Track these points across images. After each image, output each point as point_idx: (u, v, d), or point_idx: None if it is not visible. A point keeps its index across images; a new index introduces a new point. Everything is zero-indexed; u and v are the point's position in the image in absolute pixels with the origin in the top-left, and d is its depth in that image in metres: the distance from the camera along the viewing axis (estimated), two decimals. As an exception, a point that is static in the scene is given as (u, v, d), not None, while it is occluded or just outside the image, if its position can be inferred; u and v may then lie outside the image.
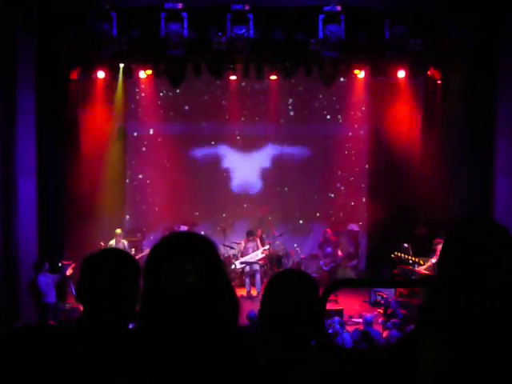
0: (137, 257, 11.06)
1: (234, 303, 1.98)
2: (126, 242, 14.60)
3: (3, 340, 2.26)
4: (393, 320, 10.85)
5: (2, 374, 2.16)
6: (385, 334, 10.37)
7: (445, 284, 1.95)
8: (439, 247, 12.55)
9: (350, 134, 17.50)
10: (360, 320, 11.01)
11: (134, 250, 14.94)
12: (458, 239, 2.00)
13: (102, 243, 14.01)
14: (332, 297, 12.73)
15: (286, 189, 17.47)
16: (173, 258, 1.89)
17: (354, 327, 10.68)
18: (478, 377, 1.84)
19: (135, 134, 17.44)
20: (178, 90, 16.11)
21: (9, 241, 11.57)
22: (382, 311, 12.38)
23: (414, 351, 1.92)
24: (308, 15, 12.33)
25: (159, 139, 17.38)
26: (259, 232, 15.94)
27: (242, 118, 17.27)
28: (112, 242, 14.20)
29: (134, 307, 2.41)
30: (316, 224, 17.52)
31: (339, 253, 15.57)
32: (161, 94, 17.00)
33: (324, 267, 15.17)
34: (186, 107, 17.13)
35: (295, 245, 16.35)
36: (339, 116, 17.45)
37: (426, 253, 12.93)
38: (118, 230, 14.51)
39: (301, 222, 17.57)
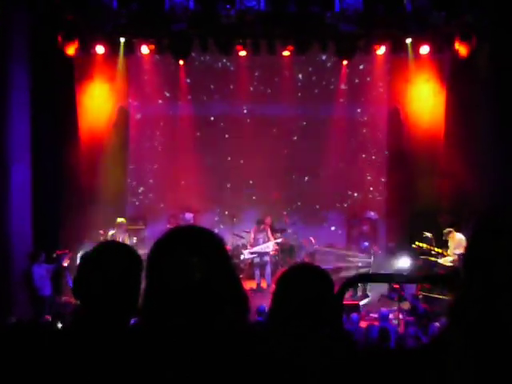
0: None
1: (243, 300, 1.97)
2: (126, 237, 13.94)
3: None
4: (408, 318, 10.87)
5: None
6: (401, 329, 10.39)
7: (474, 282, 1.91)
8: (451, 236, 12.58)
9: (369, 114, 17.43)
10: (376, 315, 11.01)
11: (135, 239, 14.77)
12: (488, 231, 1.95)
13: (102, 231, 13.98)
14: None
15: (305, 177, 17.45)
16: (178, 253, 1.88)
17: (371, 322, 10.71)
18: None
19: (137, 114, 17.42)
20: (182, 67, 16.02)
21: (0, 230, 11.55)
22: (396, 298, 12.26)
23: (442, 355, 1.89)
24: (324, -14, 12.28)
25: (163, 119, 17.37)
26: (269, 220, 15.85)
27: (251, 88, 17.23)
28: (111, 233, 13.78)
29: (136, 303, 2.40)
30: (331, 212, 17.48)
31: (375, 248, 15.01)
32: (164, 72, 16.86)
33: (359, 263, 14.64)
34: (192, 86, 17.05)
35: (312, 236, 16.28)
36: (357, 95, 17.33)
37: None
38: (120, 219, 14.14)
39: (316, 209, 17.49)
